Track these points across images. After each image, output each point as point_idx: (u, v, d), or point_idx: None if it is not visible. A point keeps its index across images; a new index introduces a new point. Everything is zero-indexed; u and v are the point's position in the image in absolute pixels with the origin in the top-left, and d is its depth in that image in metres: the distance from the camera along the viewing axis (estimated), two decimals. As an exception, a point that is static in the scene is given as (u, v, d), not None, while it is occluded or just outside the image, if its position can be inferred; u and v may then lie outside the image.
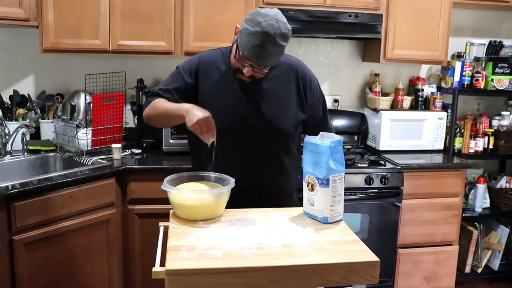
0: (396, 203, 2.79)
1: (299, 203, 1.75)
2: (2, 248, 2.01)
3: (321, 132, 1.65)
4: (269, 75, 1.81)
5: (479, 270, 3.25)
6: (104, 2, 2.63)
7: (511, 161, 3.55)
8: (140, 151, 2.79)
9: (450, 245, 2.98)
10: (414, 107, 3.27)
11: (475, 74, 3.20)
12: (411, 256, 2.92)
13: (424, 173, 2.86)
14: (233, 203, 1.63)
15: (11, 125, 2.68)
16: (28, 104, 2.83)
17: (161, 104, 1.77)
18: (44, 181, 2.18)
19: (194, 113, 1.61)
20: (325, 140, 1.59)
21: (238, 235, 1.46)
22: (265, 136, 1.83)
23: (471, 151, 3.23)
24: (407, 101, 3.24)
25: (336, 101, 3.37)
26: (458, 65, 3.20)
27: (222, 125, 1.79)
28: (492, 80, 3.16)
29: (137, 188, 2.52)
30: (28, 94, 2.86)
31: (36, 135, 2.85)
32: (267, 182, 1.86)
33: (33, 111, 2.89)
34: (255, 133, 1.82)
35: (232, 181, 1.62)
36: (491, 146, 3.26)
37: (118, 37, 2.68)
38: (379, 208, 2.77)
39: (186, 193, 1.57)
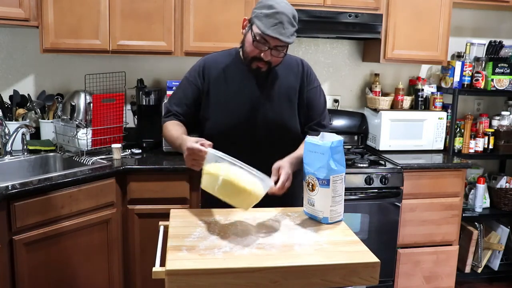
0: (396, 203, 2.79)
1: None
2: (2, 248, 2.01)
3: (321, 132, 1.65)
4: (275, 72, 1.83)
5: (479, 270, 3.25)
6: (104, 2, 2.63)
7: (511, 161, 3.55)
8: (140, 151, 2.78)
9: (450, 245, 2.99)
10: (414, 107, 3.27)
11: (475, 74, 3.20)
12: (411, 256, 2.92)
13: (424, 173, 2.86)
14: None
15: (11, 125, 2.68)
16: (28, 104, 2.83)
17: (167, 130, 1.82)
18: (44, 181, 2.18)
19: (183, 147, 1.60)
20: (325, 140, 1.59)
21: (238, 235, 1.46)
22: (272, 135, 1.84)
23: (471, 151, 3.23)
24: (407, 101, 3.24)
25: (336, 101, 3.37)
26: (458, 65, 3.20)
27: (230, 124, 1.80)
28: (492, 80, 3.16)
29: (137, 188, 2.52)
30: (28, 94, 2.86)
31: (36, 135, 2.85)
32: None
33: (33, 111, 2.89)
34: (262, 131, 1.82)
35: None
36: (491, 146, 3.26)
37: (118, 37, 2.68)
38: (379, 208, 2.77)
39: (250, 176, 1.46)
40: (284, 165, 1.65)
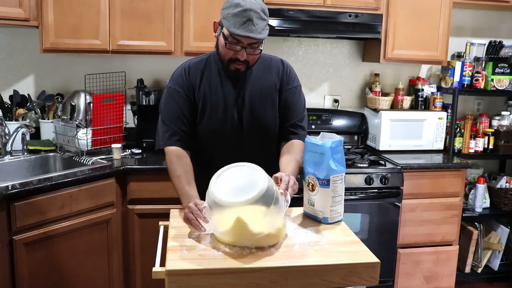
0: (396, 203, 2.79)
1: None
2: (2, 248, 2.01)
3: (321, 132, 1.65)
4: (254, 74, 1.82)
5: (479, 270, 3.25)
6: (104, 2, 2.63)
7: (511, 161, 3.55)
8: (140, 151, 2.78)
9: (450, 245, 2.98)
10: (414, 107, 3.26)
11: (475, 74, 3.20)
12: (411, 256, 2.92)
13: (424, 173, 2.86)
14: None
15: (11, 125, 2.68)
16: (28, 104, 2.83)
17: (174, 176, 1.79)
18: (44, 181, 2.18)
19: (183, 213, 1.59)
20: (325, 140, 1.59)
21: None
22: (256, 136, 1.83)
23: (471, 151, 3.23)
24: (407, 101, 3.24)
25: (336, 101, 3.37)
26: (458, 65, 3.20)
27: (215, 128, 1.80)
28: (492, 80, 3.16)
29: (137, 188, 2.52)
30: (28, 94, 2.86)
31: (36, 135, 2.85)
32: None
33: (33, 111, 2.89)
34: (247, 133, 1.82)
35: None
36: (491, 146, 3.26)
37: (118, 37, 2.68)
38: (379, 208, 2.77)
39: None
40: (282, 174, 1.58)
